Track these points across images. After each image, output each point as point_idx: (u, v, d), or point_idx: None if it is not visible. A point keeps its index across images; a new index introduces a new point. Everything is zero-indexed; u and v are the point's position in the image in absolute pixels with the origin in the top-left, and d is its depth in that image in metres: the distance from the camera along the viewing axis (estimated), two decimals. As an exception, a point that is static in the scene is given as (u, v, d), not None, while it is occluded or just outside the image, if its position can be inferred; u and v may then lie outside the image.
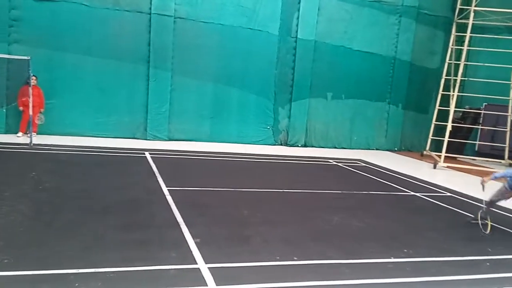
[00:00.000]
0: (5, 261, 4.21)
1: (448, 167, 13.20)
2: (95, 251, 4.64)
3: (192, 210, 6.51)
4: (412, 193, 9.24)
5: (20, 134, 11.82)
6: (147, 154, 10.95)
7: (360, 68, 15.60)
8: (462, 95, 15.46)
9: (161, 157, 10.73)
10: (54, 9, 12.21)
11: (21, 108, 11.78)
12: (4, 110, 11.83)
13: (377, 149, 16.29)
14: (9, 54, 11.18)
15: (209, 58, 13.88)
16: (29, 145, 10.44)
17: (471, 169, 13.07)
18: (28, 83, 10.83)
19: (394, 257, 5.27)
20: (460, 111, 15.70)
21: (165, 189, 7.54)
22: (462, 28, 15.08)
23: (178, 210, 6.36)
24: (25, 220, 5.42)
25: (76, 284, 3.88)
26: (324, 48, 15.13)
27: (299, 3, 14.61)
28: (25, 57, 10.61)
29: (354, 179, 10.43)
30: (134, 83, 13.26)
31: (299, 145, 15.21)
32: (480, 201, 8.82)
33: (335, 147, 15.71)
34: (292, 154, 13.23)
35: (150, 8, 13.00)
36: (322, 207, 7.53)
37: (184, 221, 5.86)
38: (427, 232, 6.52)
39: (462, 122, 15.57)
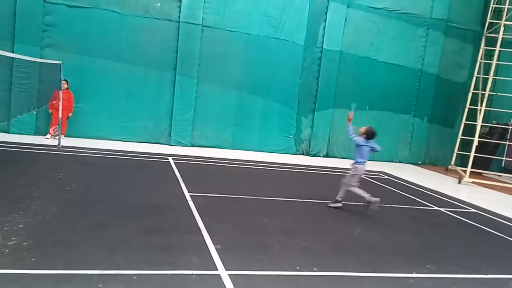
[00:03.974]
0: (32, 259, 4.34)
1: (473, 182, 12.95)
2: (119, 253, 4.73)
3: (213, 216, 6.57)
4: (436, 208, 9.09)
5: (48, 136, 12.16)
6: (170, 159, 11.11)
7: (386, 80, 15.49)
8: (489, 110, 15.17)
9: (184, 163, 10.87)
10: (86, 15, 12.59)
11: (50, 110, 12.14)
12: (35, 112, 12.18)
13: (400, 162, 16.09)
14: (41, 58, 11.54)
15: (234, 66, 14.04)
16: (57, 147, 10.73)
17: (497, 185, 12.80)
18: (59, 87, 11.16)
19: (416, 273, 5.20)
20: (487, 126, 15.41)
21: (187, 195, 7.64)
22: (491, 42, 14.84)
23: (200, 216, 6.43)
24: (52, 220, 5.57)
25: (100, 285, 3.96)
26: (350, 59, 15.11)
27: (325, 13, 14.65)
28: (57, 62, 10.95)
29: (377, 192, 10.29)
30: (161, 90, 13.51)
31: (321, 155, 15.17)
32: (506, 218, 8.66)
33: (358, 159, 15.56)
34: (314, 164, 13.20)
35: (179, 17, 13.26)
36: (343, 219, 7.49)
37: (206, 227, 5.93)
38: (451, 248, 6.41)
39: (489, 137, 15.26)
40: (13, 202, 6.07)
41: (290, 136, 14.98)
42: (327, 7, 14.62)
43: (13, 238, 4.78)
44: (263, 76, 14.34)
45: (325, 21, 14.68)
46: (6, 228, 5.04)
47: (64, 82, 11.49)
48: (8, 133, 12.14)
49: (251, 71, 14.21)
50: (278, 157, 13.83)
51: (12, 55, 8.41)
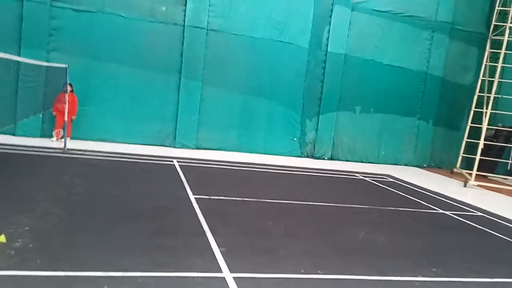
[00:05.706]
0: (37, 261, 4.36)
1: (479, 185, 12.88)
2: (124, 255, 4.75)
3: (218, 218, 6.58)
4: (441, 211, 9.06)
5: (54, 138, 12.21)
6: (175, 161, 11.13)
7: (390, 83, 15.47)
8: (495, 113, 15.11)
9: (188, 165, 10.89)
10: (92, 19, 12.65)
11: (54, 113, 12.22)
12: (41, 115, 12.26)
13: (405, 165, 16.05)
14: (47, 61, 11.61)
15: (239, 69, 14.07)
16: (63, 150, 10.78)
17: (503, 188, 12.73)
18: (64, 90, 11.23)
19: (422, 276, 5.18)
20: (492, 128, 15.34)
21: (192, 197, 7.65)
22: (497, 44, 14.80)
23: (204, 218, 6.44)
24: (58, 223, 5.60)
25: (105, 287, 3.98)
26: (354, 61, 15.10)
27: (330, 17, 14.67)
28: (63, 65, 11.02)
29: (381, 194, 10.30)
30: (166, 93, 13.55)
31: (326, 158, 15.15)
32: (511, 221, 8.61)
33: (362, 161, 15.56)
34: (318, 167, 13.18)
35: (184, 20, 13.31)
36: (348, 222, 7.48)
37: (210, 230, 5.94)
38: (456, 251, 6.38)
39: (495, 140, 15.18)
40: (19, 204, 6.09)
41: (295, 139, 14.98)
42: (331, 10, 14.64)
43: (19, 240, 4.80)
44: (267, 79, 14.35)
45: (330, 24, 14.68)
46: (11, 230, 5.07)
47: (69, 85, 11.56)
48: (15, 135, 12.20)
49: (256, 74, 14.24)
50: (282, 159, 13.83)
51: (18, 58, 8.49)
